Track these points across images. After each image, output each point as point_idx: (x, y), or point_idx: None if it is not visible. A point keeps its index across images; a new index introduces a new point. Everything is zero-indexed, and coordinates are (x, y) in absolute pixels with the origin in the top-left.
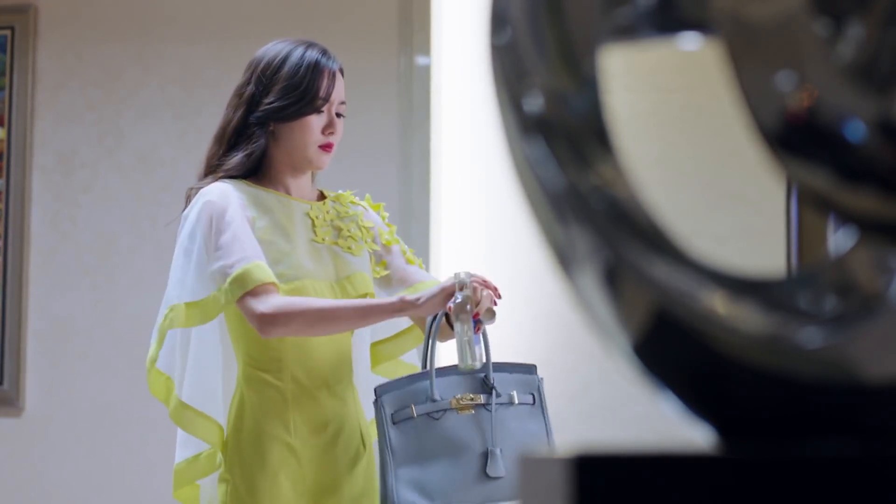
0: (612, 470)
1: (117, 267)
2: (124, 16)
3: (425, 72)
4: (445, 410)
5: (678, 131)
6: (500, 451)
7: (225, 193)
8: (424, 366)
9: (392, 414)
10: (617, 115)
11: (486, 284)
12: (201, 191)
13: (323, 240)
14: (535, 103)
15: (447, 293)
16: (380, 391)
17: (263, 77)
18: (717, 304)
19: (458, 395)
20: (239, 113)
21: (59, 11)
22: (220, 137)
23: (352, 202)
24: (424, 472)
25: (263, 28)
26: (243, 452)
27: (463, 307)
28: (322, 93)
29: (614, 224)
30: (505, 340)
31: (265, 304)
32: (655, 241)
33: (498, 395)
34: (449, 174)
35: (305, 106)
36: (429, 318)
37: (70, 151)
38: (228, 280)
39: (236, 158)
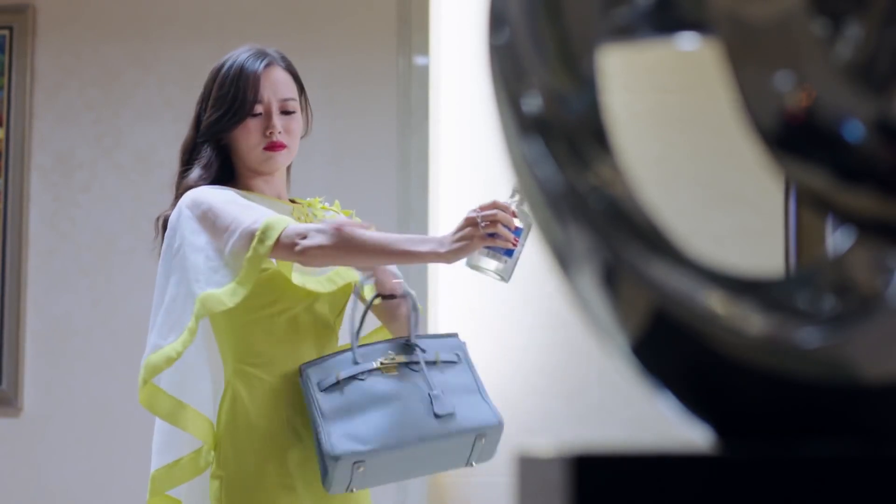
0: (610, 470)
1: (116, 267)
2: (123, 16)
3: (424, 72)
4: (370, 371)
5: (677, 131)
6: (442, 392)
7: (208, 189)
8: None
9: (318, 382)
10: (615, 115)
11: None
12: (183, 196)
13: None
14: (533, 103)
15: (477, 236)
16: (304, 366)
17: (205, 94)
18: (716, 304)
19: (381, 359)
20: (191, 132)
21: (58, 11)
22: (179, 157)
23: (323, 208)
24: (355, 423)
25: (262, 29)
26: (238, 448)
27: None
28: (248, 95)
29: (613, 224)
30: (503, 340)
31: (302, 239)
32: (654, 241)
33: (423, 351)
34: (448, 174)
35: (236, 113)
36: (367, 299)
37: (68, 151)
38: (258, 232)
39: (194, 173)
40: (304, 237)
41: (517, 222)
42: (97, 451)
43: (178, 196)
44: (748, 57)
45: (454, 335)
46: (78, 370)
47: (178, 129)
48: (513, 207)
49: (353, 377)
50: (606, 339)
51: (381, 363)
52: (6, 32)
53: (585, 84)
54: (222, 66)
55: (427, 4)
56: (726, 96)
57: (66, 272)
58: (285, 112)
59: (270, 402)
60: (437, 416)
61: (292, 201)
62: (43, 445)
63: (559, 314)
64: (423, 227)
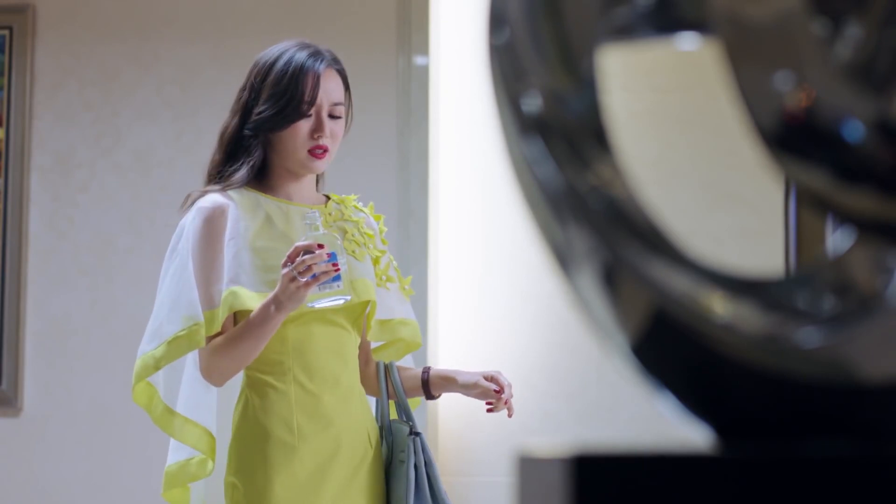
0: (610, 470)
1: (115, 267)
2: (122, 16)
3: (424, 72)
4: None
5: (676, 131)
6: None
7: (221, 207)
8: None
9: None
10: (615, 115)
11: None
12: (198, 201)
13: None
14: (533, 103)
15: (301, 287)
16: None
17: (255, 83)
18: (716, 304)
19: None
20: (235, 120)
21: (57, 11)
22: (220, 143)
23: (355, 207)
24: None
25: (261, 28)
26: (245, 455)
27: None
28: (306, 97)
29: (612, 224)
30: (503, 340)
31: (202, 365)
32: (653, 241)
33: None
34: (447, 174)
35: (291, 113)
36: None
37: (67, 151)
38: (215, 309)
39: (241, 172)
40: (205, 365)
41: (326, 249)
42: (96, 451)
43: (209, 180)
44: (748, 57)
45: None
46: (77, 370)
47: (178, 128)
48: (317, 240)
49: None
50: (606, 339)
51: None
52: (6, 32)
53: (585, 84)
54: (276, 60)
55: (427, 4)
56: (726, 96)
57: (66, 272)
58: (333, 116)
59: (281, 409)
60: None
61: (326, 197)
62: (42, 445)
63: (559, 314)
64: (422, 227)
